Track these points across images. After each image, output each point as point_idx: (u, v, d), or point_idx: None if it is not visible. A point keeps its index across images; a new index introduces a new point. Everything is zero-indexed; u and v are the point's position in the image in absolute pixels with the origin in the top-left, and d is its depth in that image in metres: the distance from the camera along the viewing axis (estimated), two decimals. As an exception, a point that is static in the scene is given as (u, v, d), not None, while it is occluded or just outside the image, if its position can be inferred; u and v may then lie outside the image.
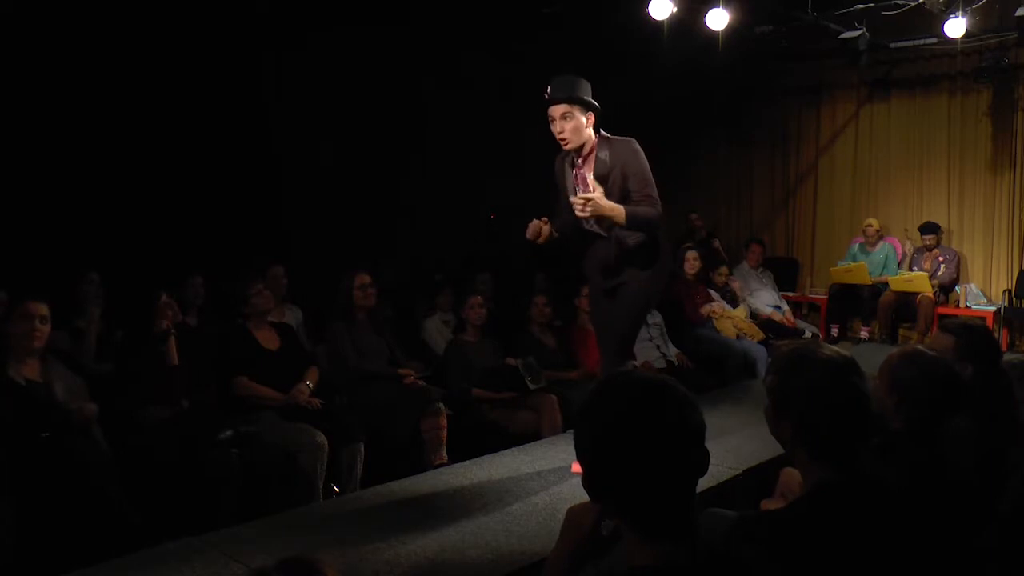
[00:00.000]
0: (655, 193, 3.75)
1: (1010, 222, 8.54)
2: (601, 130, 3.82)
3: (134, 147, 5.99)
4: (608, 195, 3.71)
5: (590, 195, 3.61)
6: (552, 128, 3.75)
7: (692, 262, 7.19)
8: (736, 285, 7.65)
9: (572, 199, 3.63)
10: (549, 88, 3.74)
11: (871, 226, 8.60)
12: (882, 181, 9.27)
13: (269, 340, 4.82)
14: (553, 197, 4.01)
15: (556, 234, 3.84)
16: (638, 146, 3.80)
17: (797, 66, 9.21)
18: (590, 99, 3.76)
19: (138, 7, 5.70)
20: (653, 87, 8.09)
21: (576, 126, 3.71)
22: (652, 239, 3.82)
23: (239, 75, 6.33)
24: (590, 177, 3.79)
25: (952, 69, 8.58)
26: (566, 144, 3.76)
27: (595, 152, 3.78)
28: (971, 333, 2.97)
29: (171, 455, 3.97)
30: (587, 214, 3.62)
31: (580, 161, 3.82)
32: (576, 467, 3.91)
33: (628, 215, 3.64)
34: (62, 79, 5.63)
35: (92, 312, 5.12)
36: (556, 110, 3.73)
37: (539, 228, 3.78)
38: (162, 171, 6.11)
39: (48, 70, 5.56)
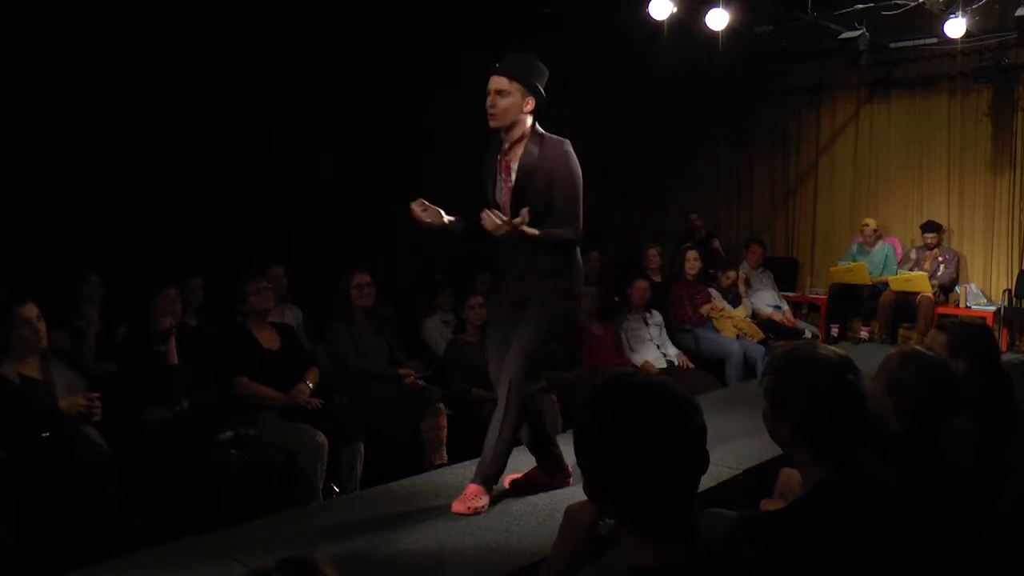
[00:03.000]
0: (580, 207, 3.47)
1: (1010, 222, 8.54)
2: (537, 124, 3.56)
3: (134, 147, 5.99)
4: (525, 194, 3.45)
5: (509, 222, 3.32)
6: (487, 102, 3.48)
7: (692, 262, 7.19)
8: (742, 278, 7.66)
9: (486, 215, 3.34)
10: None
11: (868, 225, 8.60)
12: (882, 181, 9.27)
13: (269, 340, 4.82)
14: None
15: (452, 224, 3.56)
16: (571, 149, 3.51)
17: (797, 66, 9.21)
18: (536, 84, 3.48)
19: (138, 7, 5.69)
20: (653, 87, 8.09)
21: (509, 105, 3.45)
22: (564, 252, 3.55)
23: (239, 75, 6.33)
24: (514, 167, 3.52)
25: (952, 69, 8.58)
26: (492, 120, 3.49)
27: (525, 143, 3.51)
28: (963, 330, 2.97)
29: (171, 455, 3.97)
30: (497, 233, 3.35)
31: (507, 147, 3.55)
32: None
33: (544, 237, 3.38)
34: (62, 79, 5.63)
35: (91, 312, 5.12)
36: (494, 83, 3.47)
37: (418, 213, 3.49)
38: (162, 171, 6.11)
39: (48, 70, 5.56)
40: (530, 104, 3.49)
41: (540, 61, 3.53)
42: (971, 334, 2.96)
